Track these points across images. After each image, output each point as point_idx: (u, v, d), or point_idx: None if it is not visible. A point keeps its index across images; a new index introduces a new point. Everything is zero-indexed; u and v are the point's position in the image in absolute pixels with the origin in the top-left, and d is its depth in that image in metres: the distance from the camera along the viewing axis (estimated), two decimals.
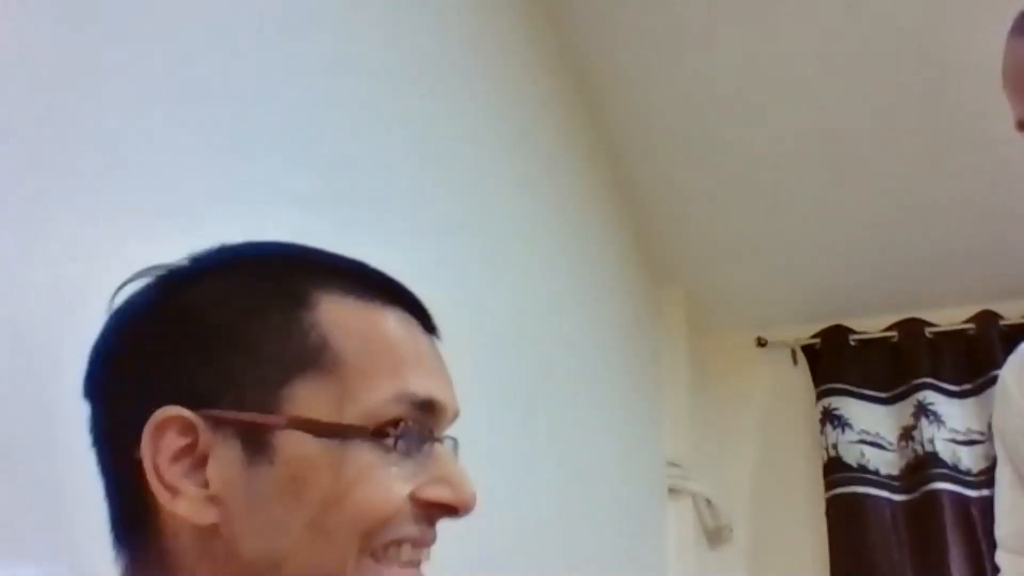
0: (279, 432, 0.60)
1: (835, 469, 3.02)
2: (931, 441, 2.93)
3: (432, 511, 0.63)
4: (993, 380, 1.31)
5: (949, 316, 3.13)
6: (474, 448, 1.77)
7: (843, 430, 3.06)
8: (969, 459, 2.92)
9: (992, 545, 1.29)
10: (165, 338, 0.63)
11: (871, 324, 3.19)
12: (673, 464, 2.93)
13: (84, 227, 0.87)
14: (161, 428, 0.60)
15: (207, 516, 0.59)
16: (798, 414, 3.20)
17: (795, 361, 3.26)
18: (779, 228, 2.98)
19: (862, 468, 3.00)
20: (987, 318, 3.07)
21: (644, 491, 2.78)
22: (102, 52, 0.97)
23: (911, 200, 2.83)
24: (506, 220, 1.98)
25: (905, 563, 2.86)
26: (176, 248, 0.68)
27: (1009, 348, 1.31)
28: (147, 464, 0.59)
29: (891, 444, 3.04)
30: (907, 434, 3.01)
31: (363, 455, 0.60)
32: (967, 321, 3.10)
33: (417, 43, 1.67)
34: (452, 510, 0.64)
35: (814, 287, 3.17)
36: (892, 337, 3.16)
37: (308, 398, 0.61)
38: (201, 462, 0.60)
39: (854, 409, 3.08)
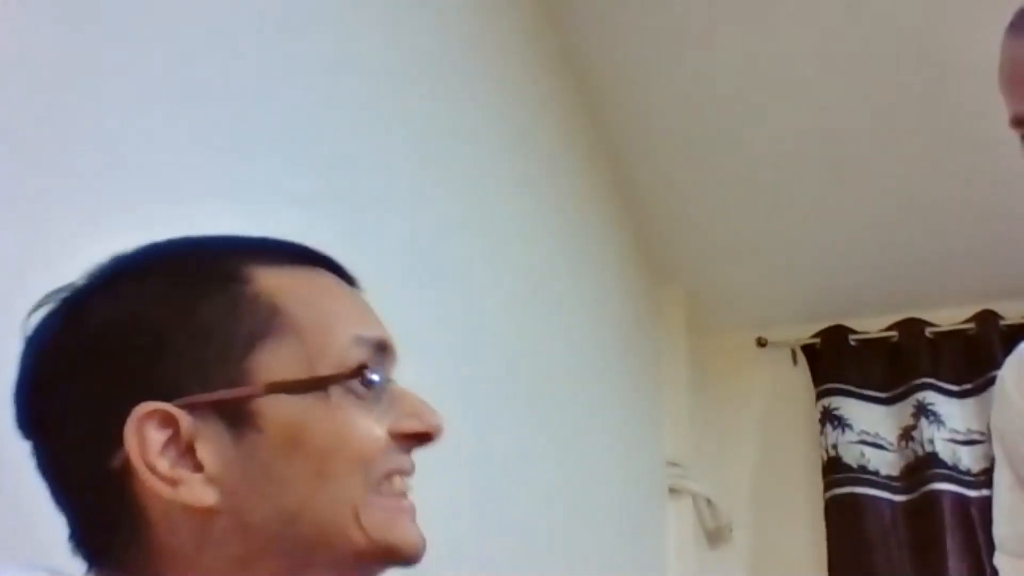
0: (259, 400, 0.62)
1: (835, 469, 3.01)
2: (931, 441, 2.93)
3: (408, 442, 0.67)
4: (993, 380, 1.31)
5: (949, 316, 3.12)
6: (474, 448, 1.78)
7: (843, 430, 3.06)
8: (969, 459, 2.91)
9: (992, 546, 1.29)
10: (119, 341, 0.63)
11: (871, 324, 3.19)
12: (673, 464, 2.93)
13: (84, 227, 0.87)
14: (140, 425, 0.60)
15: (210, 497, 0.60)
16: (798, 414, 3.20)
17: (795, 361, 3.26)
18: (779, 228, 2.97)
19: (862, 468, 3.00)
20: (987, 318, 3.06)
21: (644, 491, 2.78)
22: (102, 52, 0.97)
23: (911, 200, 2.83)
24: (506, 220, 1.98)
25: (905, 563, 2.86)
26: None
27: (1009, 348, 1.31)
28: (136, 462, 0.60)
29: (891, 444, 3.04)
30: (907, 434, 3.00)
31: (343, 400, 0.63)
32: (967, 321, 3.10)
33: (417, 43, 1.67)
34: (426, 437, 0.68)
35: (814, 287, 3.17)
36: (892, 337, 3.15)
37: (275, 363, 0.63)
38: (189, 449, 0.61)
39: (854, 409, 3.08)
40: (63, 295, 0.66)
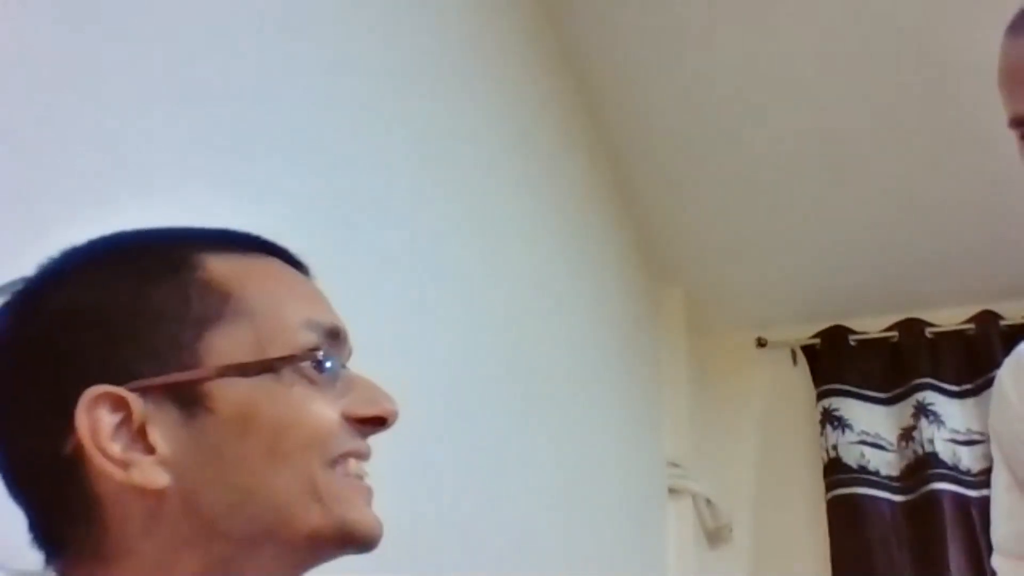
0: (210, 383, 0.62)
1: (835, 470, 3.02)
2: (931, 441, 2.93)
3: (364, 427, 0.67)
4: (993, 380, 1.31)
5: (949, 316, 3.12)
6: (474, 448, 1.78)
7: (843, 431, 3.06)
8: (969, 459, 2.91)
9: (992, 546, 1.29)
10: (73, 325, 0.64)
11: (871, 324, 3.19)
12: (673, 464, 2.93)
13: (84, 227, 0.87)
14: (92, 408, 0.61)
15: (162, 479, 0.61)
16: (798, 414, 3.20)
17: (795, 361, 3.26)
18: (779, 228, 2.97)
19: (862, 469, 3.00)
20: (987, 318, 3.06)
21: (644, 491, 2.78)
22: (102, 52, 0.97)
23: (911, 200, 2.83)
24: (506, 220, 1.98)
25: (905, 563, 2.86)
26: None
27: (1009, 348, 1.31)
28: (88, 446, 0.60)
29: (891, 444, 3.04)
30: (907, 434, 3.01)
31: (295, 382, 0.64)
32: (967, 321, 3.10)
33: (417, 43, 1.67)
34: (380, 421, 0.68)
35: (814, 287, 3.17)
36: (892, 337, 3.15)
37: (227, 346, 0.63)
38: (140, 432, 0.61)
39: (854, 410, 3.08)
40: (15, 287, 0.66)
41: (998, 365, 1.30)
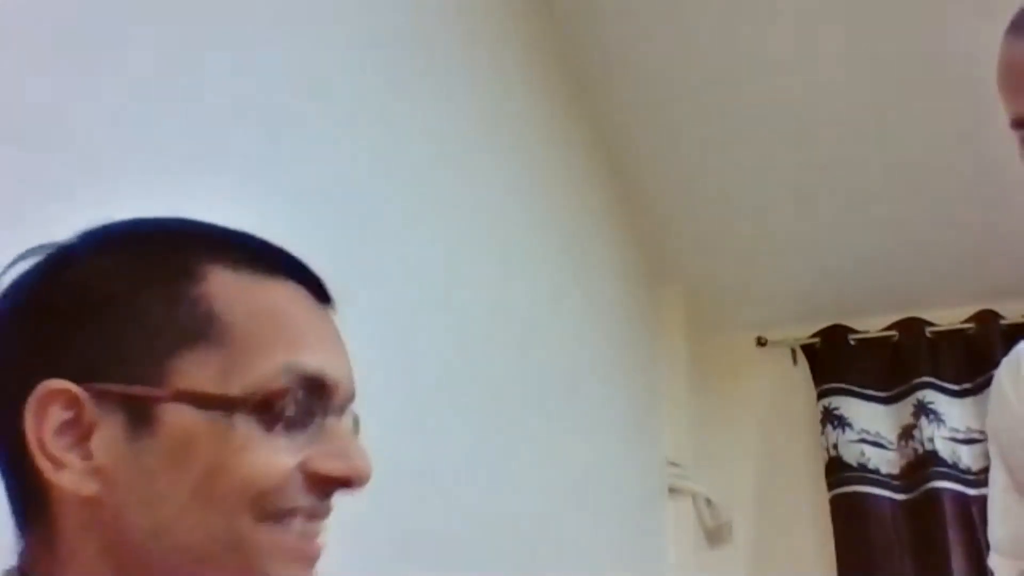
0: (164, 405, 0.60)
1: (836, 469, 3.02)
2: (931, 440, 2.93)
3: (325, 484, 0.63)
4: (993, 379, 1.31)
5: (949, 316, 3.12)
6: (475, 448, 1.77)
7: (843, 430, 3.06)
8: (969, 458, 2.92)
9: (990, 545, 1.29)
10: (50, 313, 0.63)
11: (871, 324, 3.19)
12: (673, 464, 2.93)
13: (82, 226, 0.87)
14: (44, 402, 0.60)
15: (89, 487, 0.60)
16: (798, 414, 3.20)
17: (795, 361, 3.26)
18: (779, 228, 2.97)
19: (862, 467, 3.00)
20: (987, 318, 3.06)
21: (644, 491, 2.78)
22: (102, 52, 0.97)
23: (911, 200, 2.83)
24: (505, 220, 1.98)
25: (906, 562, 2.86)
26: None
27: (1009, 347, 1.31)
28: (31, 437, 0.60)
29: (891, 443, 3.04)
30: (907, 433, 3.01)
31: (247, 426, 0.60)
32: (967, 321, 3.10)
33: (416, 42, 1.67)
34: (345, 482, 0.64)
35: (814, 287, 3.17)
36: (892, 337, 3.16)
37: (194, 370, 0.61)
38: (86, 435, 0.60)
39: (854, 408, 3.08)
40: (48, 250, 0.66)
41: (998, 364, 1.30)
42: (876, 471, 3.00)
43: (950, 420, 2.97)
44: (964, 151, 2.62)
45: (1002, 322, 3.05)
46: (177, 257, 0.64)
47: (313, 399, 0.63)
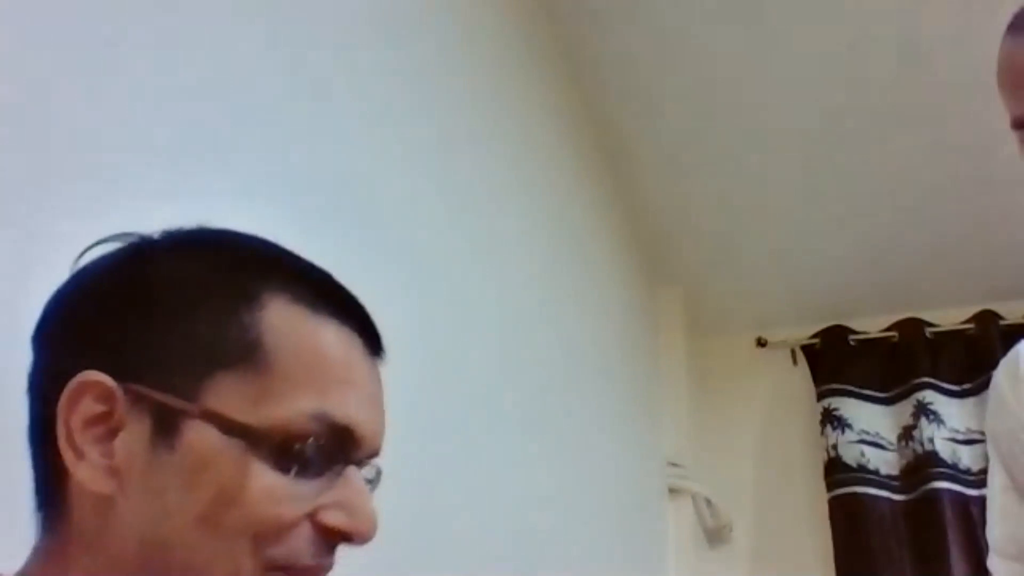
0: (191, 420, 0.60)
1: (835, 469, 3.02)
2: (931, 440, 2.93)
3: (330, 536, 0.63)
4: None
5: (949, 316, 3.12)
6: (474, 448, 1.77)
7: (843, 430, 3.06)
8: (969, 458, 2.92)
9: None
10: (111, 304, 0.63)
11: (871, 324, 3.19)
12: (673, 464, 2.93)
13: (82, 228, 0.87)
14: (80, 391, 0.60)
15: (105, 486, 0.60)
16: (798, 414, 3.20)
17: (795, 361, 3.26)
18: (779, 228, 2.98)
19: (862, 468, 3.00)
20: (987, 318, 3.06)
21: (644, 491, 2.78)
22: (102, 53, 0.97)
23: (911, 200, 2.83)
24: (505, 221, 1.98)
25: (905, 562, 2.86)
26: None
27: (1009, 348, 1.31)
28: (60, 422, 0.60)
29: (891, 444, 3.04)
30: (907, 434, 3.01)
31: (263, 462, 0.60)
32: (967, 321, 3.10)
33: (415, 42, 1.67)
34: (346, 536, 0.63)
35: (814, 287, 3.17)
36: (892, 337, 3.16)
37: (228, 393, 0.61)
38: (112, 433, 0.60)
39: (854, 409, 3.08)
40: (131, 239, 0.66)
41: (998, 365, 1.30)
42: (876, 472, 3.00)
43: (950, 421, 2.97)
44: (964, 151, 2.62)
45: (1002, 322, 3.05)
46: (242, 278, 0.64)
47: (336, 448, 0.63)
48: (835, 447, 3.04)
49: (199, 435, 0.60)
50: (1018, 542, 1.23)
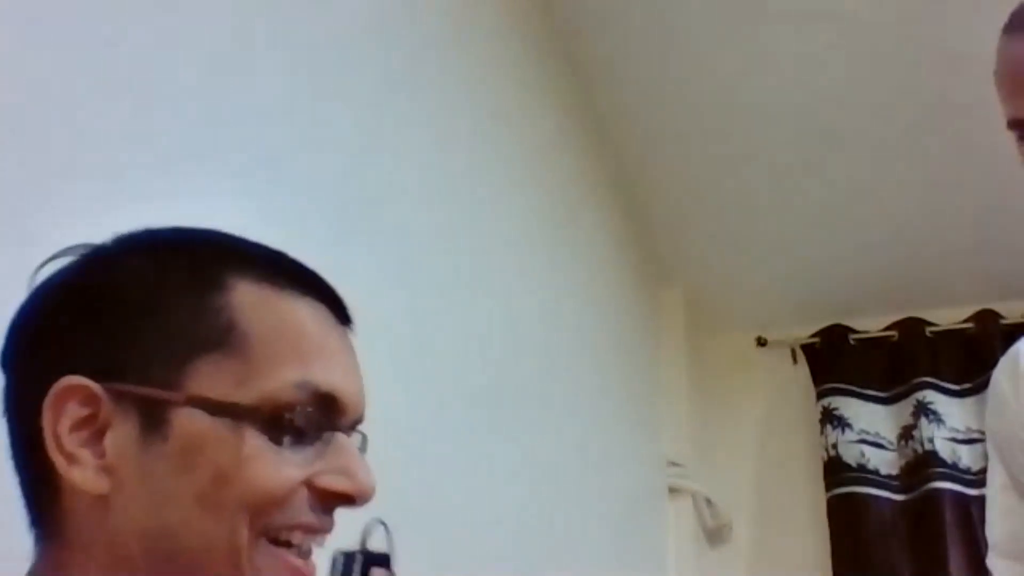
0: (177, 408, 0.61)
1: (835, 469, 3.02)
2: (931, 440, 2.93)
3: (329, 499, 0.64)
4: None
5: (949, 316, 3.12)
6: (475, 448, 1.77)
7: (843, 430, 3.06)
8: (969, 458, 2.91)
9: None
10: (79, 311, 0.64)
11: (871, 323, 3.19)
12: (673, 463, 2.93)
13: (82, 228, 0.87)
14: (62, 397, 0.61)
15: (100, 485, 0.61)
16: (798, 414, 3.20)
17: (795, 360, 3.26)
18: (779, 228, 2.97)
19: (862, 468, 3.00)
20: (987, 318, 3.06)
21: (644, 490, 2.78)
22: (102, 53, 0.97)
23: (911, 200, 2.83)
24: (506, 220, 1.98)
25: (905, 562, 2.86)
26: None
27: (1009, 348, 1.31)
28: (47, 431, 0.61)
29: (891, 443, 3.04)
30: (907, 433, 3.01)
31: (256, 437, 0.61)
32: (967, 320, 3.10)
33: (415, 42, 1.67)
34: (349, 499, 0.65)
35: (814, 286, 3.17)
36: (892, 336, 3.15)
37: (209, 377, 0.62)
38: (101, 433, 0.61)
39: (854, 409, 3.08)
40: (83, 250, 0.67)
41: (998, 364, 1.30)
42: (876, 472, 2.99)
43: (950, 420, 2.97)
44: (964, 151, 2.62)
45: (1002, 322, 3.04)
46: (205, 266, 0.65)
47: (323, 415, 0.64)
48: (835, 446, 3.04)
49: (188, 421, 0.61)
50: (1018, 541, 1.23)
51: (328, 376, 0.65)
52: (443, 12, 1.80)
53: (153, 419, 0.61)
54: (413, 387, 1.49)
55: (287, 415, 0.62)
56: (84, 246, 0.67)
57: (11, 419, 0.65)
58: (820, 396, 3.13)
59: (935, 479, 2.88)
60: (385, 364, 1.37)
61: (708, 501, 3.00)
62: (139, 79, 1.02)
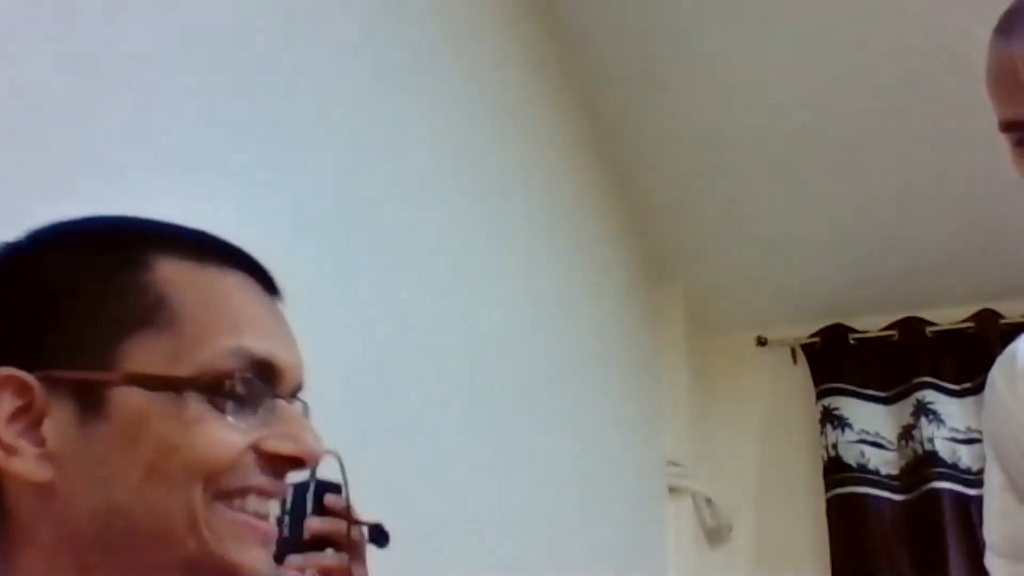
0: (114, 388, 0.61)
1: (835, 469, 3.02)
2: (931, 440, 2.93)
3: (278, 464, 0.65)
4: None
5: (949, 315, 3.12)
6: (475, 448, 1.77)
7: (843, 430, 3.06)
8: (969, 458, 2.91)
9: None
10: (3, 306, 0.65)
11: (871, 323, 3.19)
12: (673, 463, 2.93)
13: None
14: None
15: (42, 474, 0.61)
16: (798, 414, 3.20)
17: (795, 360, 3.26)
18: (779, 227, 2.97)
19: (862, 468, 3.00)
20: (987, 317, 3.06)
21: (644, 490, 2.78)
22: (103, 53, 0.97)
23: (911, 199, 2.83)
24: (506, 220, 1.98)
25: (905, 562, 2.86)
26: None
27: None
28: None
29: (891, 443, 3.04)
30: (907, 433, 3.01)
31: (198, 407, 0.62)
32: (967, 320, 3.10)
33: (415, 41, 1.67)
34: (297, 462, 0.65)
35: (814, 286, 3.17)
36: (892, 336, 3.15)
37: (144, 354, 0.62)
38: (37, 421, 0.61)
39: (854, 408, 3.08)
40: None
41: None
42: (876, 472, 3.00)
43: (950, 420, 2.97)
44: (964, 150, 2.62)
45: (1002, 322, 3.04)
46: (125, 248, 0.66)
47: (262, 382, 0.65)
48: (835, 446, 3.04)
49: (126, 399, 0.61)
50: (1016, 542, 1.22)
51: (262, 343, 0.65)
52: (442, 12, 1.80)
53: (91, 401, 0.61)
54: (411, 386, 1.49)
55: (227, 383, 0.63)
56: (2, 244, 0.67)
57: None
58: (820, 396, 3.13)
59: (935, 479, 2.88)
60: (384, 363, 1.37)
61: (708, 501, 3.00)
62: (139, 79, 1.02)
